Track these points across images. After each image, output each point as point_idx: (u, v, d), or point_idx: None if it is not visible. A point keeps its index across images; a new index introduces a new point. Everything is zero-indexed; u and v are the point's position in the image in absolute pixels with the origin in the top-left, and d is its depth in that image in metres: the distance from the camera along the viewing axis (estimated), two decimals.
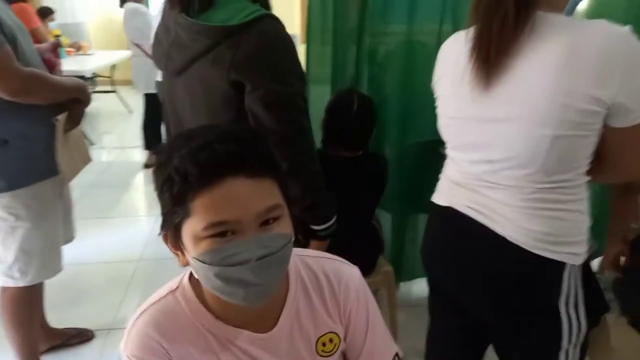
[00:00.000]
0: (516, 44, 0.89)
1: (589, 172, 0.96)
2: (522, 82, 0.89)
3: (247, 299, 0.69)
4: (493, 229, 0.99)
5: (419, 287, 2.36)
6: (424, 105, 2.02)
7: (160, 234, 0.74)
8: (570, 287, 0.98)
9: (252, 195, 0.66)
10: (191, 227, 0.67)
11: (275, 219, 0.68)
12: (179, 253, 0.73)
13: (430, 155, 2.00)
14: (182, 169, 0.65)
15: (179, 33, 1.21)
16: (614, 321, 1.37)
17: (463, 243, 1.06)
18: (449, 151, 1.12)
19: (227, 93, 1.15)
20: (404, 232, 2.26)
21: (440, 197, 1.14)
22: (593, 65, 0.83)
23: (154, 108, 3.96)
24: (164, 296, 0.79)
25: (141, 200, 3.79)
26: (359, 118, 1.74)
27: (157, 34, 1.34)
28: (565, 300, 0.98)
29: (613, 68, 0.82)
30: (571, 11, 0.97)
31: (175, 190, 0.66)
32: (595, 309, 1.07)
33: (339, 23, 1.87)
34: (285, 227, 0.70)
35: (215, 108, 1.19)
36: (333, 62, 1.92)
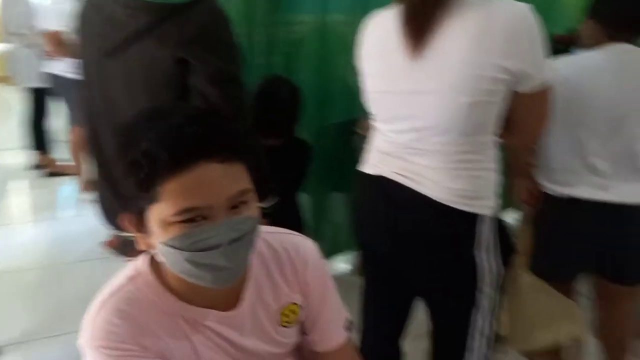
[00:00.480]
0: (437, 22, 1.00)
1: (500, 135, 1.12)
2: (443, 56, 1.01)
3: (216, 281, 0.70)
4: (420, 192, 1.10)
5: (339, 265, 2.50)
6: (337, 90, 2.15)
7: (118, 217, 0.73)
8: (488, 235, 1.13)
9: (223, 180, 0.66)
10: (159, 212, 0.66)
11: (244, 202, 0.69)
12: (140, 236, 0.72)
13: (346, 135, 2.14)
14: (152, 153, 0.63)
15: (115, 10, 1.16)
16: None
17: (394, 207, 1.16)
18: (377, 124, 1.22)
19: (170, 72, 1.14)
20: (321, 212, 2.36)
21: (369, 167, 1.23)
22: (500, 39, 0.97)
23: (39, 103, 3.64)
24: (124, 285, 0.76)
25: (27, 205, 3.48)
26: (288, 105, 1.78)
27: (83, 15, 1.27)
28: (486, 247, 1.13)
29: (517, 41, 0.97)
30: None
31: (142, 175, 0.64)
32: (506, 252, 1.24)
33: (249, 12, 1.90)
34: (253, 210, 0.71)
35: (155, 88, 1.16)
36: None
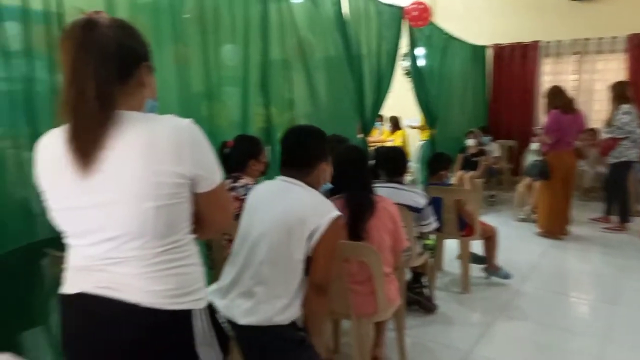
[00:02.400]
0: (104, 137, 1.04)
1: (193, 231, 1.20)
2: (119, 168, 1.05)
3: None
4: (126, 300, 1.08)
5: None
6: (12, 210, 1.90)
7: None
8: (202, 329, 1.17)
9: None
10: None
11: None
12: None
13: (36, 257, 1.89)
14: None
15: None
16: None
17: (101, 323, 1.09)
18: (68, 240, 1.14)
19: None
20: None
21: (69, 286, 1.14)
22: (168, 149, 1.07)
23: None
24: None
25: None
26: None
27: None
28: (207, 340, 1.16)
29: (183, 149, 1.08)
30: (151, 110, 1.21)
31: None
32: (221, 339, 1.29)
33: None
34: None
35: None
36: None
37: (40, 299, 1.95)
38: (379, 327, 2.50)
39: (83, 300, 1.10)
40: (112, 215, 1.06)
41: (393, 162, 2.94)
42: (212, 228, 1.27)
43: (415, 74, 5.10)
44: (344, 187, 2.19)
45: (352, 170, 2.23)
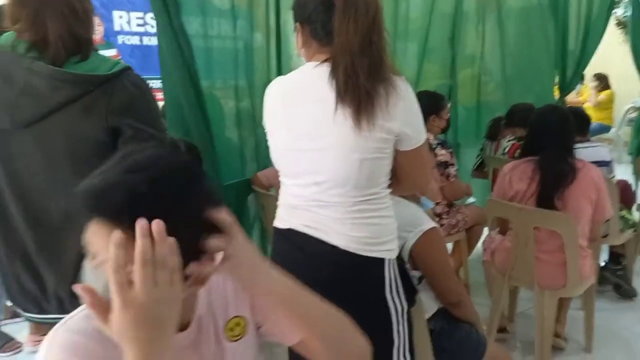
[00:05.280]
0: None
1: (389, 186, 1.24)
2: (340, 118, 1.12)
3: None
4: (328, 242, 1.18)
5: None
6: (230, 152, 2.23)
7: None
8: (391, 277, 1.23)
9: None
10: None
11: None
12: None
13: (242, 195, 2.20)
14: None
15: (32, 81, 1.12)
16: None
17: (306, 258, 1.22)
18: (283, 179, 1.29)
19: (100, 142, 1.14)
20: None
21: (281, 221, 1.29)
22: (387, 106, 1.11)
23: None
24: (75, 315, 0.73)
25: None
26: None
27: None
28: (389, 288, 1.22)
29: (396, 106, 1.12)
30: None
31: None
32: (409, 291, 1.34)
33: None
34: None
35: (80, 159, 1.14)
36: None
37: (245, 228, 2.27)
38: (563, 302, 2.32)
39: (292, 235, 1.24)
40: (325, 161, 1.15)
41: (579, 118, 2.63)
42: (409, 185, 1.31)
43: (635, 24, 4.32)
44: (538, 150, 2.03)
45: (549, 132, 2.04)
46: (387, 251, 1.21)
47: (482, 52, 3.61)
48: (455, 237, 2.72)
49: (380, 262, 1.20)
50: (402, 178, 1.26)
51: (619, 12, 5.26)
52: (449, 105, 3.05)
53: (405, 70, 3.00)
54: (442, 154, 2.56)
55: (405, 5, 3.09)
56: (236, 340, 0.86)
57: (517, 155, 2.30)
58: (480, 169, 3.32)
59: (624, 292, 2.82)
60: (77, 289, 0.60)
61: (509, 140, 3.03)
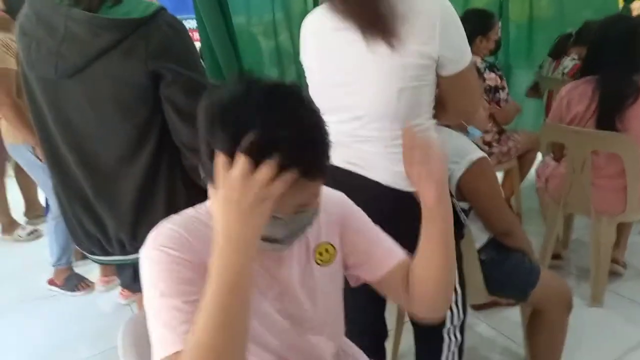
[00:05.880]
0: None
1: (434, 116, 1.18)
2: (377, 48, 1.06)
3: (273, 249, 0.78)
4: (368, 177, 1.16)
5: None
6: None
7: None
8: None
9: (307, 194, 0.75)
10: None
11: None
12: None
13: None
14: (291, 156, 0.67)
15: (72, 29, 1.13)
16: None
17: (350, 193, 1.21)
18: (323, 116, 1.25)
19: (143, 86, 1.15)
20: None
21: None
22: (420, 28, 1.03)
23: None
24: (187, 215, 0.80)
25: None
26: None
27: (28, 35, 1.19)
28: None
29: (434, 29, 1.04)
30: None
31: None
32: (456, 225, 1.32)
33: None
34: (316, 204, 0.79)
35: (126, 105, 1.17)
36: None
37: None
38: (624, 228, 2.23)
39: (335, 172, 1.21)
40: (363, 94, 1.11)
41: None
42: (455, 113, 1.24)
43: None
44: (599, 67, 1.87)
45: (612, 45, 1.86)
46: None
47: None
48: (507, 165, 2.64)
49: None
50: (447, 106, 1.19)
51: None
52: (499, 24, 2.84)
53: None
54: (491, 78, 2.42)
55: None
56: (324, 265, 0.91)
57: (578, 76, 2.15)
58: (536, 88, 3.13)
59: None
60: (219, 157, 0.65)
61: (572, 59, 2.81)
